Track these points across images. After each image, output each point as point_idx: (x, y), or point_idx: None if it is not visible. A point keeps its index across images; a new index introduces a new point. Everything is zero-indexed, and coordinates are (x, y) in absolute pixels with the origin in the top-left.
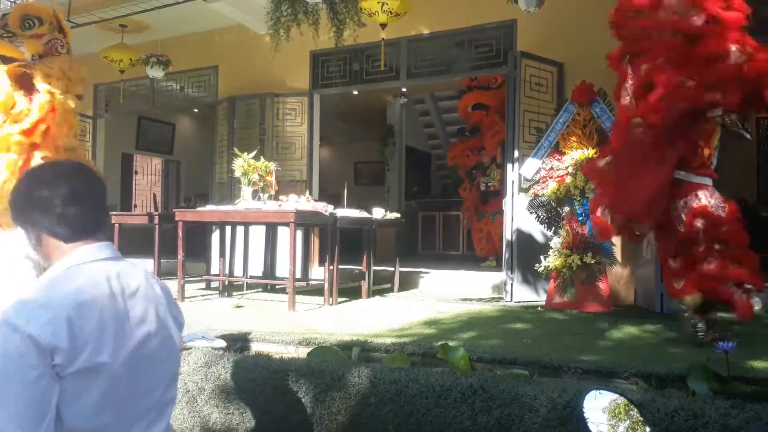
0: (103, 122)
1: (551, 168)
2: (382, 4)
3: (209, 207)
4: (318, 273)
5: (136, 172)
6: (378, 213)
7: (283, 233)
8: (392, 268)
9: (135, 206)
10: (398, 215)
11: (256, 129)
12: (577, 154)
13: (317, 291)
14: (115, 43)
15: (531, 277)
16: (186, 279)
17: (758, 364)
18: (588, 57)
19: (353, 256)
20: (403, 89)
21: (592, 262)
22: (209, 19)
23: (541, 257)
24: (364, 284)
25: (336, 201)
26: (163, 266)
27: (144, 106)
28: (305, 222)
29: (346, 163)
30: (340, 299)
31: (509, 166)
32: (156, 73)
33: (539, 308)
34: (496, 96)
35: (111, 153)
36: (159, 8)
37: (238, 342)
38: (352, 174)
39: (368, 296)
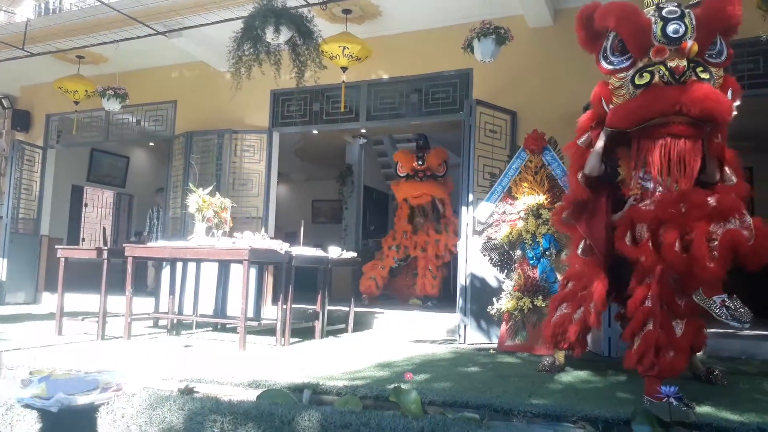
0: (53, 153)
1: (504, 212)
2: (344, 48)
3: (160, 242)
4: (271, 312)
5: (86, 205)
6: (334, 252)
7: (236, 271)
8: (347, 308)
9: (83, 240)
10: (354, 254)
11: (213, 165)
12: (528, 199)
13: (269, 331)
14: (70, 74)
15: (484, 319)
16: (133, 317)
17: (699, 409)
18: (540, 106)
19: (308, 295)
20: (363, 130)
21: (543, 305)
22: (169, 54)
23: (494, 300)
24: (318, 324)
25: (292, 239)
26: (109, 302)
27: (98, 138)
28: (259, 260)
29: (304, 201)
30: (292, 340)
31: (463, 209)
32: (112, 105)
33: (491, 351)
34: (445, 186)
35: (60, 184)
36: (118, 41)
37: (185, 383)
38: (309, 212)
39: (322, 337)
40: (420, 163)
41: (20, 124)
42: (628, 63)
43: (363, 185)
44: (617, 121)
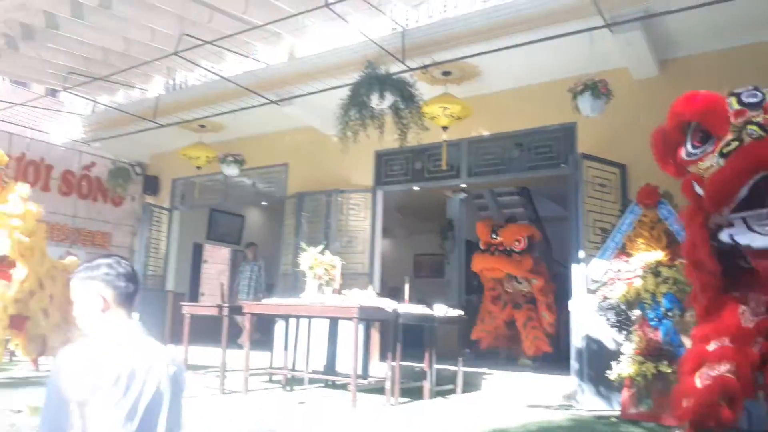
0: (177, 214)
1: (619, 270)
2: (444, 109)
3: (275, 299)
4: (378, 368)
5: (205, 261)
6: (440, 310)
7: (345, 327)
8: (454, 367)
9: (203, 294)
10: (461, 312)
11: (322, 223)
12: (645, 256)
13: (378, 389)
14: (193, 142)
15: (602, 384)
16: (250, 371)
17: None
18: (650, 159)
19: (412, 351)
20: (463, 186)
21: (669, 371)
22: (281, 120)
23: (613, 363)
24: (426, 384)
25: (396, 293)
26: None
27: (217, 200)
28: (368, 317)
29: (406, 256)
30: (401, 399)
31: (574, 266)
32: (231, 171)
33: (613, 419)
34: (520, 264)
35: (184, 243)
36: (236, 111)
37: None
38: (411, 266)
39: (431, 397)
40: (494, 236)
41: (150, 188)
42: (712, 147)
43: (465, 240)
44: (714, 196)
